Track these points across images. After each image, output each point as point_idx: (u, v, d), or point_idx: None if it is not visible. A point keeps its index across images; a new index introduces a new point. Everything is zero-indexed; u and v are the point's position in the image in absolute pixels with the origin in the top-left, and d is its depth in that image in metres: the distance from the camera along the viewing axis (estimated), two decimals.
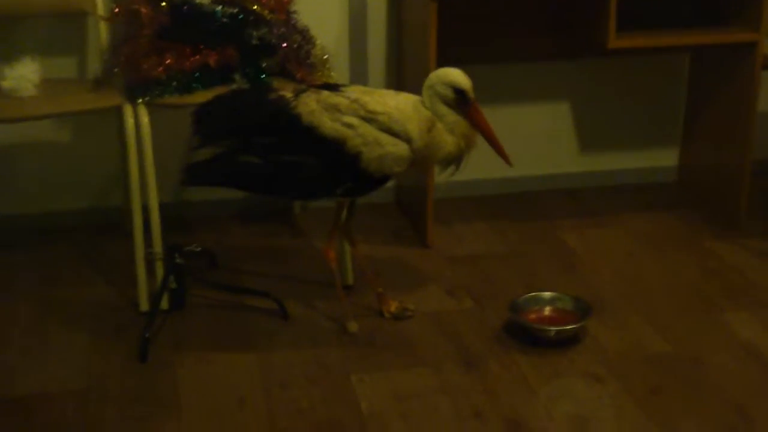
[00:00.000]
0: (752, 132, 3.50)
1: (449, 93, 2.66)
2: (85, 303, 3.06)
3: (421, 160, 2.73)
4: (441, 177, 2.82)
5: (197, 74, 3.02)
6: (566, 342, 2.81)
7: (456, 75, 2.66)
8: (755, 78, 3.44)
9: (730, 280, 3.20)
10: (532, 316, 2.91)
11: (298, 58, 3.10)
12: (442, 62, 2.94)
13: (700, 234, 3.55)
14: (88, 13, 3.30)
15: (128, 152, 2.94)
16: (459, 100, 2.66)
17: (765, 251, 3.38)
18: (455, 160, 2.74)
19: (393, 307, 2.97)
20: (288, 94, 2.73)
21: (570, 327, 2.82)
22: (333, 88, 2.76)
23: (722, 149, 3.68)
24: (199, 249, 3.18)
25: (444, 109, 2.68)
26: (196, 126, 2.78)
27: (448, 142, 2.69)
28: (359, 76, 3.63)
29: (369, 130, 2.64)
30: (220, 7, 3.07)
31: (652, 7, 3.57)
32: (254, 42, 3.08)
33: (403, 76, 3.61)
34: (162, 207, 2.99)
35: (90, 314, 2.99)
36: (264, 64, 3.08)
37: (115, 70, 3.08)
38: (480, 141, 2.73)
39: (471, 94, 2.66)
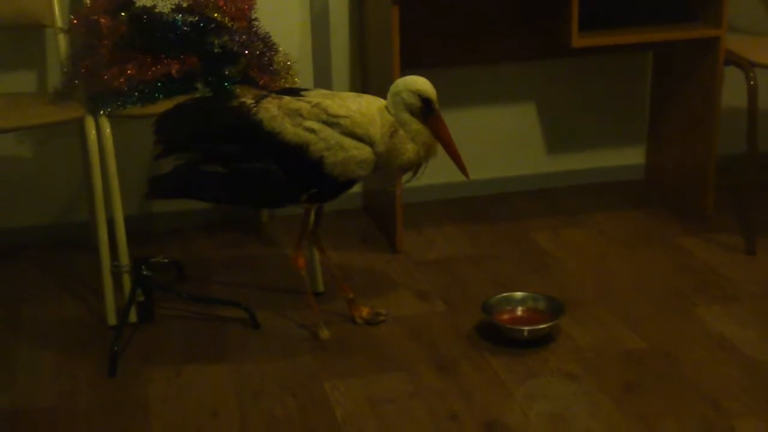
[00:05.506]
0: (716, 127, 3.52)
1: (416, 101, 2.63)
2: (52, 320, 3.01)
3: (383, 165, 2.71)
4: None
5: (159, 84, 2.98)
6: (540, 341, 2.79)
7: (423, 83, 2.63)
8: (718, 73, 3.45)
9: (701, 275, 3.20)
10: (505, 316, 2.89)
11: (260, 65, 3.07)
12: (406, 65, 2.93)
13: (669, 230, 3.55)
14: (46, 26, 3.24)
15: (91, 165, 2.90)
16: (424, 109, 2.64)
17: (734, 245, 3.39)
18: (413, 167, 2.72)
19: (365, 312, 2.95)
20: (249, 100, 2.71)
21: (543, 326, 2.81)
22: (294, 92, 2.74)
23: (688, 145, 3.69)
24: (166, 260, 3.15)
25: (407, 117, 2.65)
26: (158, 135, 2.75)
27: (408, 149, 2.66)
28: (323, 82, 3.60)
29: (331, 134, 2.62)
30: (180, 16, 3.04)
31: (615, 6, 3.58)
32: (216, 50, 3.05)
33: (367, 80, 3.59)
34: (127, 220, 2.95)
35: (57, 331, 2.94)
36: (226, 72, 3.04)
37: (76, 82, 3.04)
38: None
39: (436, 104, 2.64)
